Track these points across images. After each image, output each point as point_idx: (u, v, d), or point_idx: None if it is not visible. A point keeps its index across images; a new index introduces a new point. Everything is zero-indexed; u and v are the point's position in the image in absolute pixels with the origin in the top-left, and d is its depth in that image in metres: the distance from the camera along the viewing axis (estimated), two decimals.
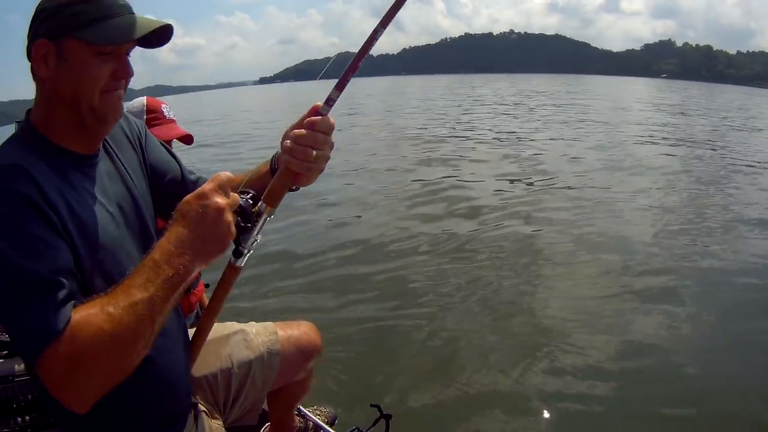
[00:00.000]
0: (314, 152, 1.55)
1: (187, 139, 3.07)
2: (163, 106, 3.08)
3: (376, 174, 13.46)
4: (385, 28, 1.58)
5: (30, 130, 1.49)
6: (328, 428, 2.77)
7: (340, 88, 1.59)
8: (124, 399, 1.32)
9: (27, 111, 1.54)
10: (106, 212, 1.53)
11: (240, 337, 2.22)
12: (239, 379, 2.14)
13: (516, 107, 35.24)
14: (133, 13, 1.50)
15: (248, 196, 1.54)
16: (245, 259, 1.52)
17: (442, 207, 9.78)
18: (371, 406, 2.88)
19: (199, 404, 1.96)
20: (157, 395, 1.63)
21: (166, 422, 1.72)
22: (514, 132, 21.18)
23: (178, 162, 1.97)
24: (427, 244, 7.73)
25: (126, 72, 1.51)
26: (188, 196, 1.36)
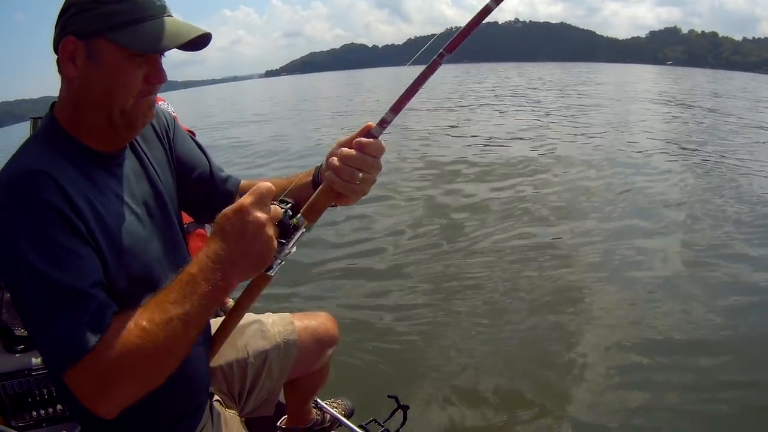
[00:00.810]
0: (360, 174, 1.53)
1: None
2: (162, 102, 3.05)
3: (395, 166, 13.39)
4: (450, 53, 1.53)
5: (54, 127, 1.45)
6: (346, 420, 2.77)
7: (395, 110, 1.54)
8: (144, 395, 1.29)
9: (51, 105, 1.51)
10: (132, 213, 1.51)
11: (256, 327, 2.21)
12: (255, 369, 2.14)
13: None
14: (171, 15, 1.45)
15: (288, 207, 1.50)
16: (277, 268, 1.49)
17: (470, 200, 9.77)
18: (389, 396, 2.88)
19: (215, 395, 1.97)
20: (177, 390, 1.61)
21: (183, 415, 1.72)
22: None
23: (208, 157, 1.93)
24: (447, 241, 7.77)
25: (160, 77, 1.47)
26: (227, 210, 1.34)
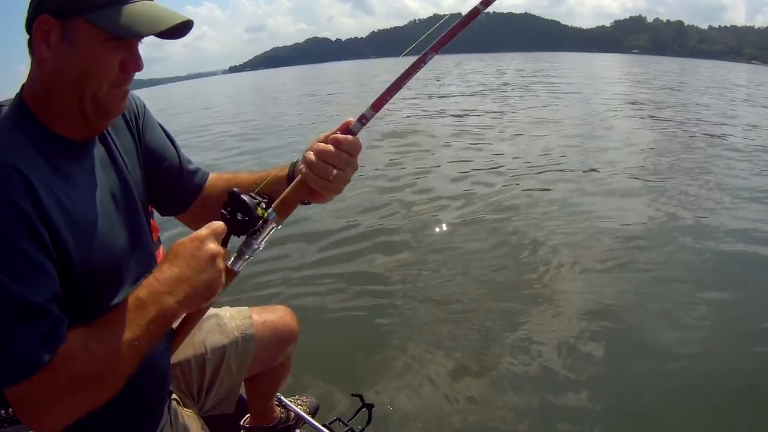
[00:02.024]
0: (334, 171, 1.52)
1: None
2: None
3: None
4: (436, 53, 1.54)
5: (23, 111, 1.38)
6: (310, 419, 2.76)
7: (376, 108, 1.55)
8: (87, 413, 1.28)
9: (21, 87, 1.43)
10: (99, 206, 1.45)
11: (213, 322, 2.18)
12: (213, 366, 2.12)
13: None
14: (149, 0, 1.39)
15: (262, 200, 1.54)
16: (244, 264, 1.50)
17: (425, 195, 9.70)
18: (353, 395, 2.87)
19: (173, 393, 1.93)
20: (138, 390, 1.57)
21: (144, 416, 1.70)
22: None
23: (176, 148, 1.89)
24: (408, 233, 7.68)
25: (137, 65, 1.43)
26: (184, 239, 1.36)
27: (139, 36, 1.35)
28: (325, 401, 3.20)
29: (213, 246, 1.35)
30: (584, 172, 10.92)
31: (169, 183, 1.83)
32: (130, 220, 1.59)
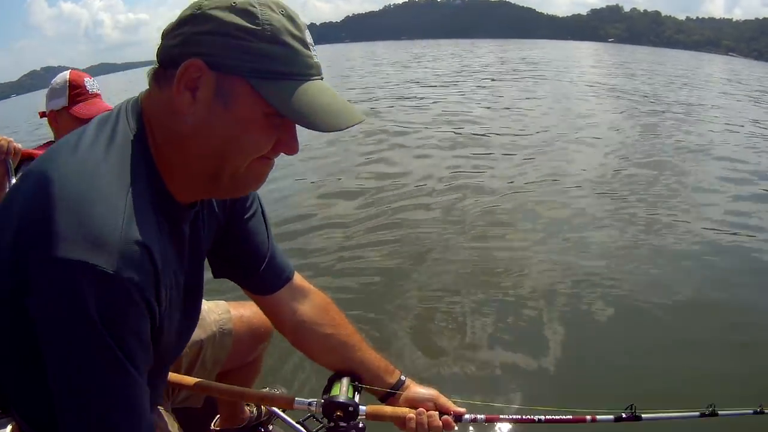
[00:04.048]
0: None
1: None
2: (87, 79, 2.96)
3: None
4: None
5: (147, 161, 1.19)
6: (282, 414, 2.73)
7: (490, 420, 1.94)
8: None
9: (138, 114, 1.22)
10: (178, 289, 1.34)
11: None
12: (189, 360, 2.13)
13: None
14: (322, 79, 1.21)
15: (359, 396, 1.80)
16: None
17: (402, 182, 9.81)
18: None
19: None
20: None
21: None
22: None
23: (269, 234, 1.77)
24: (386, 225, 7.78)
25: (293, 148, 1.25)
26: None
27: (317, 130, 1.15)
28: (297, 394, 3.16)
29: None
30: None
31: (250, 265, 1.76)
32: (193, 304, 1.53)
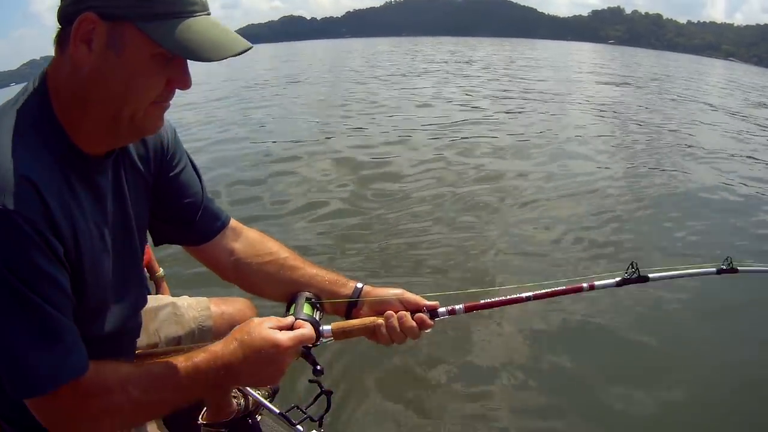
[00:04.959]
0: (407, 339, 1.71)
1: None
2: None
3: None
4: (535, 300, 1.83)
5: (47, 113, 1.29)
6: (269, 404, 2.74)
7: (468, 309, 1.76)
8: None
9: (42, 76, 1.32)
10: (101, 239, 1.42)
11: (170, 311, 2.18)
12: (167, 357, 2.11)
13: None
14: (210, 13, 1.30)
15: (320, 314, 1.67)
16: None
17: (388, 176, 9.83)
18: (310, 381, 2.86)
19: None
20: None
21: None
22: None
23: (201, 183, 1.84)
24: (370, 213, 7.94)
25: (186, 83, 1.34)
26: (266, 334, 1.40)
27: (201, 60, 1.23)
28: (282, 388, 3.18)
29: (288, 360, 1.43)
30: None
31: (185, 218, 1.80)
32: (126, 252, 1.57)
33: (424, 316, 1.69)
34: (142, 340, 2.03)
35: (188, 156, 1.80)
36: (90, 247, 1.35)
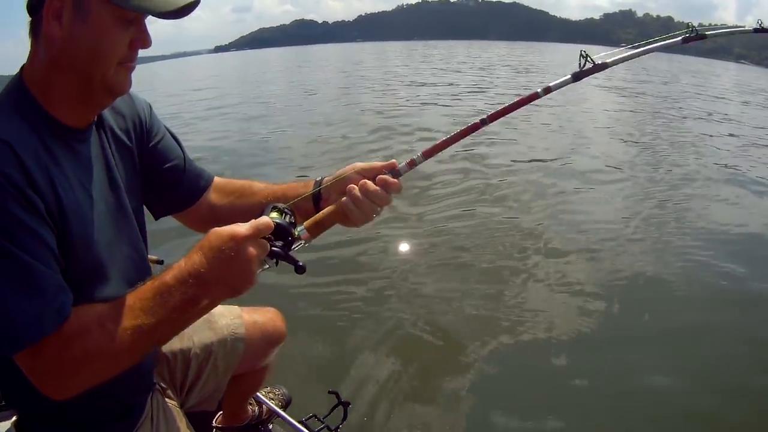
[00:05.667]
0: (379, 209, 1.62)
1: None
2: None
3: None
4: (490, 123, 1.68)
5: (22, 93, 1.37)
6: (284, 414, 2.73)
7: (426, 155, 1.66)
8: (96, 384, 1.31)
9: (21, 68, 1.42)
10: (84, 198, 1.42)
11: (204, 317, 2.13)
12: (199, 362, 2.11)
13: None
14: None
15: (290, 216, 1.51)
16: (260, 272, 1.44)
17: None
18: (330, 392, 2.86)
19: (157, 384, 1.93)
20: (123, 382, 1.51)
21: (128, 407, 1.72)
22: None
23: (182, 148, 1.89)
24: (390, 228, 7.61)
25: (146, 42, 1.41)
26: (222, 231, 1.32)
27: (156, 12, 1.32)
28: (301, 397, 3.16)
29: (251, 250, 1.31)
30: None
31: (171, 182, 1.83)
32: (118, 219, 1.57)
33: (385, 177, 1.61)
34: (175, 344, 2.05)
35: (166, 127, 1.86)
36: (76, 209, 1.37)
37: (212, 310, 2.09)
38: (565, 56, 67.35)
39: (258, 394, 2.78)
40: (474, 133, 1.68)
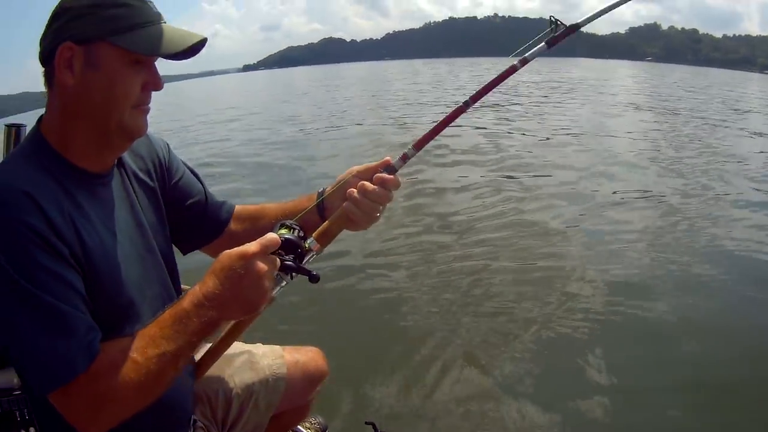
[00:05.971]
0: (381, 208, 1.64)
1: None
2: None
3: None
4: (474, 103, 1.71)
5: (41, 144, 1.40)
6: None
7: (417, 147, 1.67)
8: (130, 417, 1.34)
9: (38, 119, 1.46)
10: (110, 240, 1.45)
11: (246, 358, 2.17)
12: (241, 401, 2.09)
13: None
14: (165, 23, 1.44)
15: (298, 230, 1.54)
16: (279, 290, 1.48)
17: (432, 218, 9.24)
18: (366, 423, 2.88)
19: (198, 421, 1.92)
20: (158, 414, 1.57)
21: None
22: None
23: (202, 183, 1.93)
24: (421, 253, 7.10)
25: (157, 84, 1.46)
26: (231, 252, 1.35)
27: (163, 55, 1.39)
28: (337, 428, 3.14)
29: (261, 265, 1.33)
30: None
31: (195, 218, 1.88)
32: (146, 258, 1.61)
33: (381, 175, 1.63)
34: (218, 384, 2.06)
35: (184, 163, 1.91)
36: (102, 252, 1.40)
37: (255, 351, 2.21)
38: (598, 74, 66.20)
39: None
40: (461, 115, 1.70)
